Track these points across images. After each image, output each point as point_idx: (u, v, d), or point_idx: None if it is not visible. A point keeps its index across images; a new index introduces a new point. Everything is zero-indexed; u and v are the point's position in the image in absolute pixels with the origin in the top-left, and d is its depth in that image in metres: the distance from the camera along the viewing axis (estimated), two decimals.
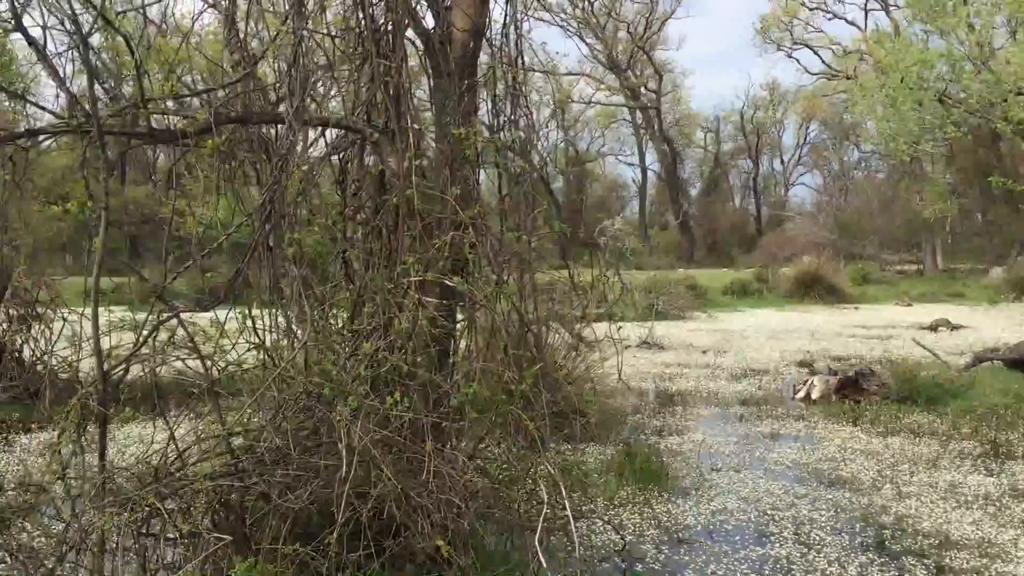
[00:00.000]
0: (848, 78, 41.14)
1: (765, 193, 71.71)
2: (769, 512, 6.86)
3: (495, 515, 5.13)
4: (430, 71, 5.26)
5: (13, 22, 4.44)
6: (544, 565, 4.22)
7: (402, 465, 4.54)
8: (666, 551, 6.02)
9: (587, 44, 56.89)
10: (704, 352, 16.93)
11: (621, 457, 8.06)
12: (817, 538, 6.25)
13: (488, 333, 5.16)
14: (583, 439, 8.77)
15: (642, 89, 58.21)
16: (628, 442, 8.56)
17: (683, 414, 10.89)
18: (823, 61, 49.69)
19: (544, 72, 57.02)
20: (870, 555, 5.89)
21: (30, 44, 4.52)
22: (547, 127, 62.77)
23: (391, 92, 5.14)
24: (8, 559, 5.39)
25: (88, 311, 4.78)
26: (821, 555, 5.89)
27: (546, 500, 4.41)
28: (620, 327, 11.40)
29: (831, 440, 9.31)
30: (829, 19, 56.79)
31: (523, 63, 5.24)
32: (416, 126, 4.91)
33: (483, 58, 5.64)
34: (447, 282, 4.55)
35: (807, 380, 12.22)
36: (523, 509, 5.05)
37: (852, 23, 46.92)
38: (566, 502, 4.40)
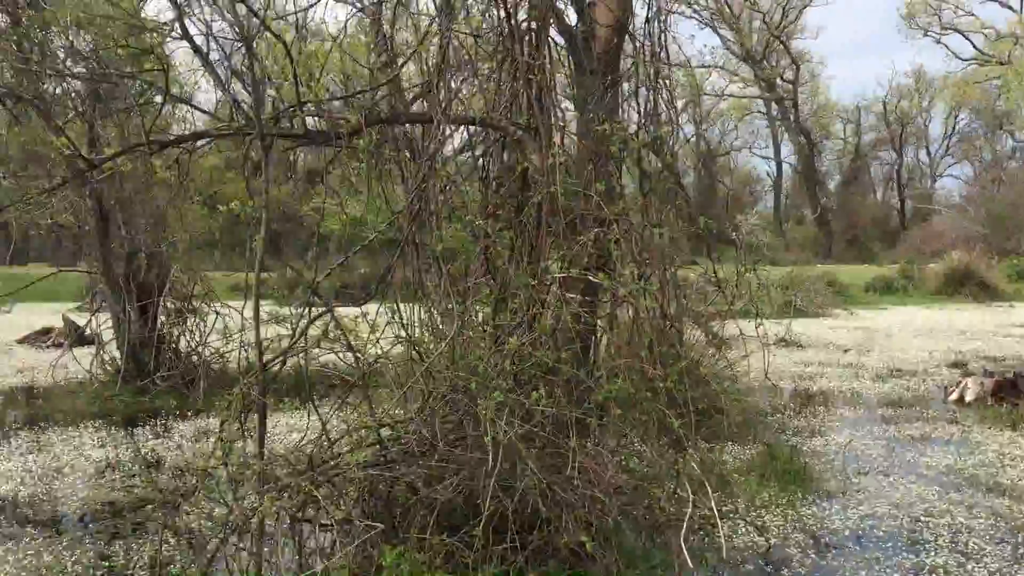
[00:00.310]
0: (1002, 63, 38.95)
1: (909, 185, 68.53)
2: (923, 519, 6.57)
3: (636, 513, 5.11)
4: (573, 68, 5.28)
5: (180, 29, 4.70)
6: (690, 564, 4.17)
7: (546, 460, 4.57)
8: (812, 555, 5.85)
9: (720, 36, 55.72)
10: (846, 351, 16.35)
11: (763, 457, 7.89)
12: (976, 547, 5.94)
13: (629, 330, 5.13)
14: (723, 438, 8.62)
15: (778, 80, 56.59)
16: (769, 442, 8.36)
17: (825, 415, 10.54)
18: (974, 46, 47.09)
19: (680, 66, 56.39)
20: None
21: (195, 51, 4.78)
22: (681, 121, 62.03)
23: (534, 90, 5.17)
24: (172, 540, 5.73)
25: (241, 305, 5.01)
26: (980, 565, 5.60)
27: (691, 499, 4.36)
28: (760, 324, 11.17)
29: (988, 445, 8.83)
30: (982, 2, 53.87)
31: (668, 58, 5.18)
32: (561, 123, 4.93)
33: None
34: (591, 278, 4.55)
35: (960, 381, 11.63)
36: (666, 508, 5.00)
37: (1006, 5, 44.29)
38: (711, 502, 4.33)
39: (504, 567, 4.38)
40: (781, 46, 54.61)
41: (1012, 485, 7.43)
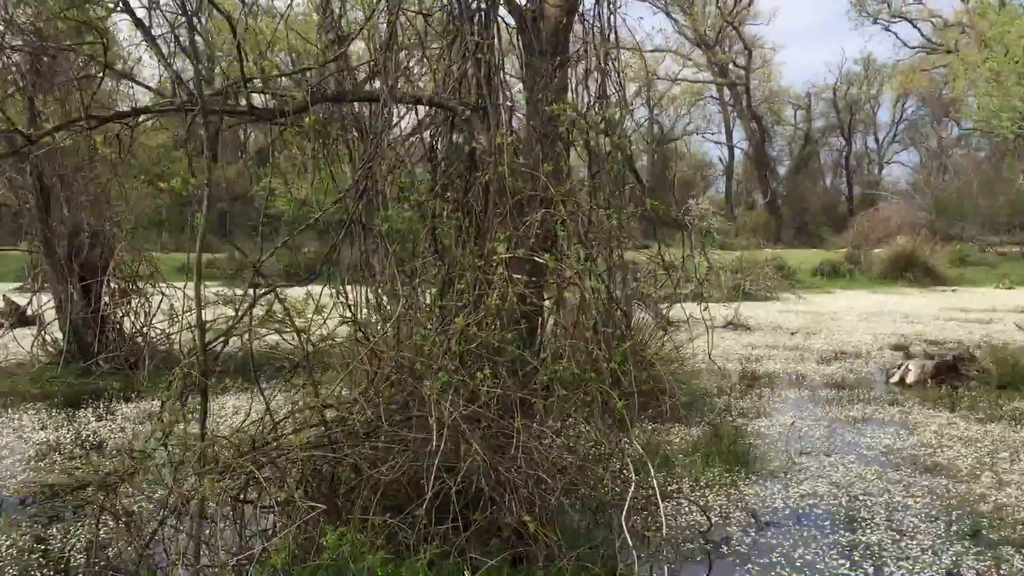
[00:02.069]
0: (949, 52, 39.59)
1: (858, 172, 69.56)
2: (861, 497, 6.71)
3: (580, 493, 5.15)
4: (522, 49, 5.26)
5: (121, 1, 4.59)
6: (630, 544, 4.22)
7: (490, 441, 4.58)
8: (752, 534, 5.95)
9: (673, 20, 55.92)
10: (792, 334, 16.61)
11: (708, 438, 8.00)
12: (911, 525, 6.09)
13: (576, 311, 5.15)
14: (668, 419, 8.71)
15: (730, 65, 57.00)
16: (715, 423, 8.47)
17: (771, 396, 10.71)
18: (922, 34, 47.86)
19: (631, 49, 56.53)
20: (966, 544, 5.72)
21: (137, 25, 4.67)
22: (632, 105, 62.26)
23: (482, 69, 5.14)
24: (112, 522, 5.65)
25: (185, 285, 4.94)
26: (914, 542, 5.74)
27: (633, 479, 4.40)
28: (706, 307, 11.28)
29: (927, 426, 9.04)
30: None
31: (616, 40, 5.18)
32: (507, 103, 4.92)
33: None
34: (537, 259, 4.55)
35: (902, 364, 11.88)
36: (609, 487, 5.04)
37: None
38: (653, 482, 4.38)
39: (446, 547, 4.39)
40: (734, 31, 54.97)
41: (949, 465, 7.62)
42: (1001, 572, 5.28)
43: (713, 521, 6.12)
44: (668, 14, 54.09)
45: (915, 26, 47.71)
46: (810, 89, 65.50)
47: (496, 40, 5.11)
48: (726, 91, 59.64)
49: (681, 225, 16.62)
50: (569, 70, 5.39)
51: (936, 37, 44.87)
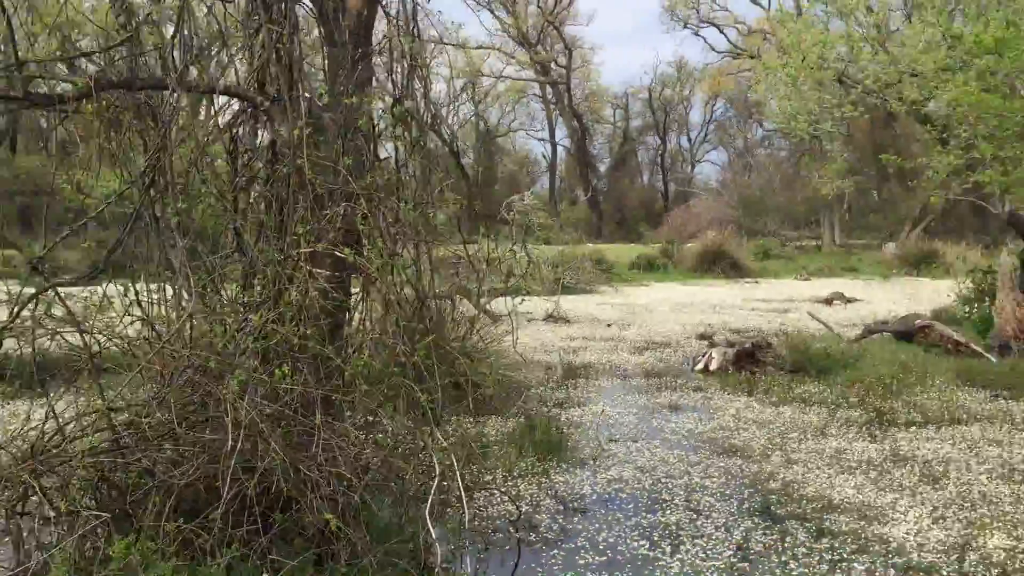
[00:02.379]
0: (752, 57, 42.05)
1: (673, 169, 72.75)
2: (663, 480, 7.03)
3: (392, 488, 5.13)
4: (324, 39, 5.16)
5: None
6: (433, 536, 4.23)
7: (292, 439, 4.49)
8: (561, 520, 6.12)
9: (497, 18, 56.66)
10: (609, 325, 17.17)
11: (522, 429, 8.14)
12: (707, 504, 6.43)
13: (382, 306, 5.12)
14: (485, 412, 8.81)
15: (552, 64, 58.30)
16: (529, 414, 8.64)
17: (585, 386, 11.04)
18: (728, 40, 50.63)
19: (453, 45, 56.67)
20: (755, 519, 6.10)
21: None
22: (458, 101, 62.56)
23: (283, 60, 5.02)
24: None
25: None
26: (709, 520, 6.07)
27: (438, 472, 4.42)
28: (522, 300, 11.48)
29: (726, 410, 9.56)
30: None
31: (418, 31, 5.17)
32: (307, 95, 4.81)
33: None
34: (337, 254, 4.49)
35: (706, 352, 12.51)
36: (418, 482, 5.05)
37: (756, 2, 47.89)
38: (457, 474, 4.42)
39: (246, 550, 4.26)
40: (555, 31, 56.23)
41: (744, 446, 8.09)
42: (785, 544, 5.64)
43: (523, 509, 6.25)
44: (492, 12, 54.73)
45: (722, 32, 50.48)
46: (627, 89, 67.92)
47: (297, 30, 4.98)
48: (548, 89, 60.95)
49: (504, 221, 16.90)
50: (373, 62, 5.34)
51: (741, 43, 47.56)
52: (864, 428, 8.71)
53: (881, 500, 6.48)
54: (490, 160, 64.47)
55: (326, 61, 5.17)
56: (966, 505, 6.35)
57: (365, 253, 4.72)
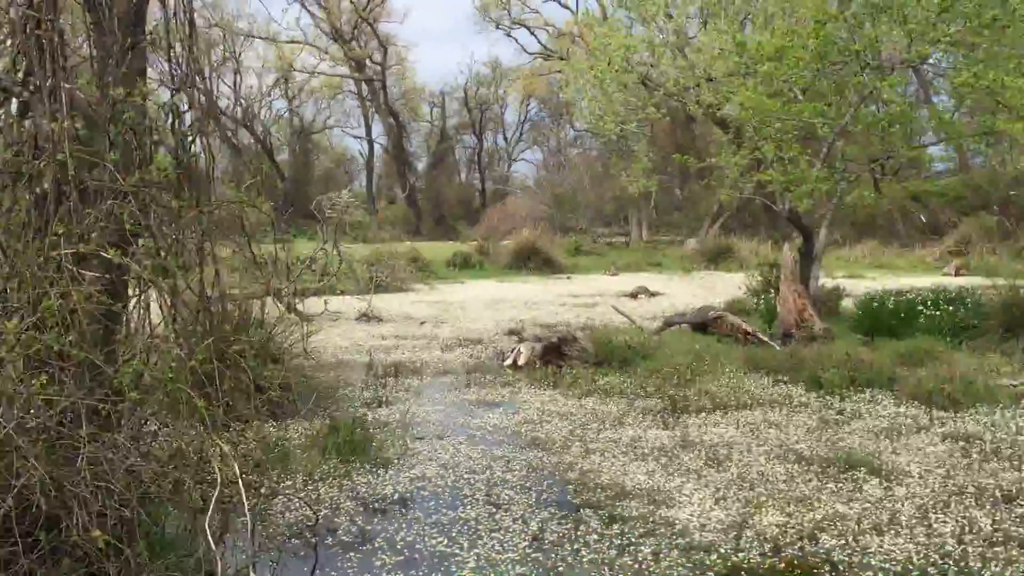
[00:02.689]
0: (562, 59, 43.13)
1: (490, 168, 73.65)
2: (466, 476, 7.08)
3: (175, 499, 4.89)
4: (90, 27, 4.84)
5: None
6: (213, 546, 4.07)
7: (59, 453, 4.19)
8: (360, 522, 6.05)
9: (309, 12, 55.46)
10: (422, 323, 17.16)
11: (326, 431, 7.98)
12: (507, 497, 6.53)
13: (163, 310, 4.86)
14: (289, 415, 8.59)
15: (367, 61, 57.65)
16: (333, 416, 8.49)
17: (395, 385, 10.96)
18: (539, 41, 51.72)
19: (263, 38, 55.06)
20: (552, 510, 6.24)
21: None
22: (270, 96, 60.84)
23: (44, 48, 4.67)
24: None
25: None
26: (508, 514, 6.16)
27: (219, 480, 4.25)
28: (327, 301, 11.29)
29: (531, 404, 9.76)
30: (545, 0, 59.09)
31: (192, 23, 4.94)
32: (67, 85, 4.50)
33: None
34: (103, 255, 4.22)
35: (515, 348, 12.72)
36: (201, 492, 4.84)
37: (565, 6, 49.20)
38: (240, 482, 4.26)
39: (7, 573, 3.95)
40: (369, 28, 55.63)
41: (547, 439, 8.27)
42: (579, 532, 5.81)
43: (322, 513, 6.13)
44: (304, 6, 53.52)
45: (532, 33, 51.48)
46: (444, 88, 68.13)
47: (55, 15, 4.64)
48: (364, 86, 60.26)
49: (320, 219, 16.57)
50: (147, 53, 5.06)
51: (551, 45, 48.70)
52: (659, 416, 9.11)
53: (669, 484, 6.79)
54: (305, 157, 63.13)
55: (93, 50, 4.85)
56: (745, 485, 6.75)
57: (137, 254, 4.47)
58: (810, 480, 6.86)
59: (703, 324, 14.83)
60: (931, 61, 16.02)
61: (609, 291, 23.87)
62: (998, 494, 6.48)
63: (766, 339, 13.48)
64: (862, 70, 13.32)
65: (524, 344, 12.65)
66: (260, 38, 55.34)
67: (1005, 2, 11.82)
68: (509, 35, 52.05)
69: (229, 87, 58.32)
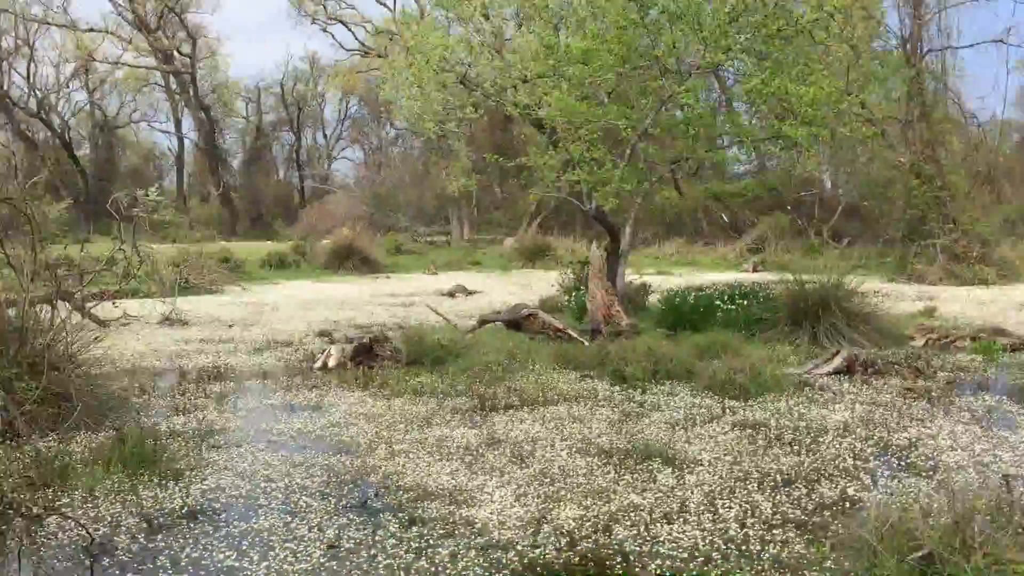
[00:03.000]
0: (380, 56, 42.68)
1: (310, 166, 72.05)
2: (263, 485, 6.80)
3: None
4: None
5: None
6: None
7: None
8: (142, 540, 5.67)
9: (111, 1, 52.37)
10: (231, 326, 16.51)
11: (112, 443, 7.48)
12: (304, 504, 6.32)
13: None
14: (75, 427, 8.01)
15: (175, 53, 55.07)
16: (120, 427, 7.97)
17: (195, 392, 10.45)
18: (356, 38, 50.93)
19: (59, 25, 51.52)
20: (351, 515, 6.09)
21: None
22: (69, 87, 57.03)
23: None
24: None
25: None
26: (304, 522, 5.95)
27: None
28: (116, 304, 10.63)
29: (338, 406, 9.53)
30: None
31: None
32: None
33: None
34: None
35: (325, 349, 12.43)
36: None
37: (383, 3, 48.62)
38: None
39: None
40: (176, 18, 53.17)
41: (351, 442, 8.09)
42: (376, 538, 5.68)
43: (101, 532, 5.73)
44: None
45: (350, 29, 50.63)
46: (259, 83, 66.10)
47: None
48: (173, 80, 57.55)
49: (124, 218, 15.62)
50: None
51: (370, 42, 48.07)
52: (467, 415, 9.11)
53: (472, 484, 6.77)
54: (109, 152, 59.65)
55: None
56: (546, 481, 6.82)
57: None
58: (608, 473, 7.02)
59: (516, 322, 15.02)
60: (731, 68, 16.84)
61: (427, 290, 23.84)
62: (779, 478, 6.86)
63: (576, 335, 13.80)
64: (662, 75, 13.85)
65: (335, 346, 12.39)
66: (57, 25, 51.75)
67: (790, 14, 12.60)
68: (325, 31, 50.79)
69: (22, 76, 54.32)
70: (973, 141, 27.83)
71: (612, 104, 14.49)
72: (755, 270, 27.75)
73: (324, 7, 48.95)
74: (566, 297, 17.22)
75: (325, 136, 72.62)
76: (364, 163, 66.99)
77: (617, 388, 10.30)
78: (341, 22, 49.72)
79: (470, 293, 22.54)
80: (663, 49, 13.43)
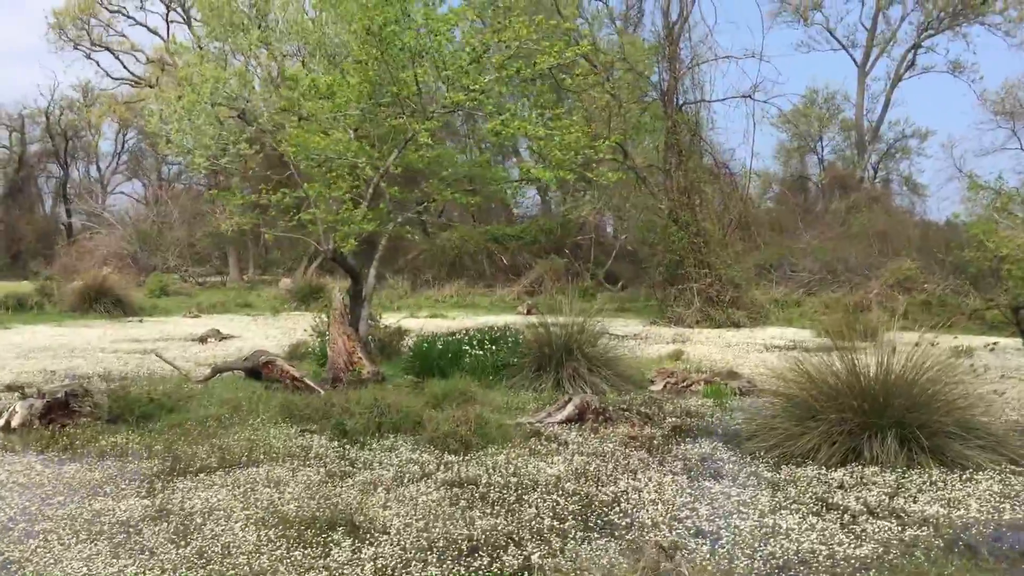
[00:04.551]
0: (151, 87, 40.37)
1: (82, 201, 67.17)
2: None
3: None
4: None
5: None
6: None
7: None
8: None
9: None
10: None
11: None
12: None
13: None
14: None
15: None
16: None
17: None
18: (125, 67, 47.97)
19: None
20: None
21: None
22: None
23: None
24: None
25: None
26: None
27: None
28: None
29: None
30: (131, 24, 54.93)
31: None
32: None
33: None
34: None
35: (11, 406, 10.90)
36: None
37: (155, 32, 46.19)
38: None
39: None
40: None
41: None
42: None
43: None
44: None
45: (118, 58, 47.67)
46: (23, 111, 61.25)
47: None
48: None
49: None
50: None
51: (141, 72, 45.45)
52: (148, 481, 8.04)
53: (107, 571, 5.78)
54: None
55: None
56: (199, 563, 5.93)
57: None
58: (278, 548, 6.21)
59: (255, 370, 13.99)
60: (485, 109, 16.63)
61: (179, 335, 22.15)
62: (465, 547, 6.28)
63: (314, 384, 12.90)
64: (404, 113, 13.37)
65: (22, 402, 10.85)
66: None
67: (528, 59, 12.46)
68: (89, 57, 47.45)
69: None
70: (725, 190, 29.29)
71: (353, 141, 13.84)
72: (529, 312, 27.78)
73: (88, 33, 45.83)
74: (319, 342, 16.29)
75: (99, 169, 68.19)
76: (144, 199, 63.25)
77: (335, 444, 9.50)
78: (108, 49, 46.70)
79: (224, 337, 21.08)
80: (399, 86, 12.94)
